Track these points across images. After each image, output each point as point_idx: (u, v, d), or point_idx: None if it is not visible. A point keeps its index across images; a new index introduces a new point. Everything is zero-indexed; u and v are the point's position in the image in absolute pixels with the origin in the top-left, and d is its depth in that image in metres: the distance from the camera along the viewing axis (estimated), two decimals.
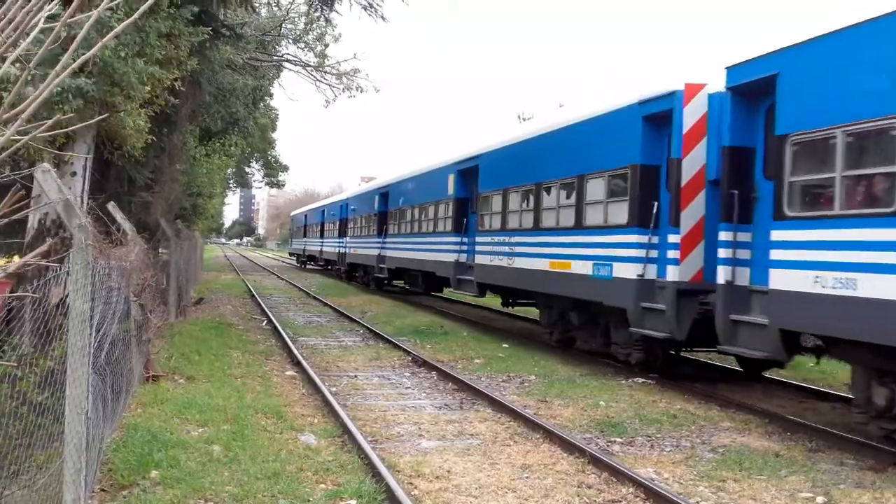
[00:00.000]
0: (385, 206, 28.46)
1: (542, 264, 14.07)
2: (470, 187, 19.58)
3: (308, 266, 54.32)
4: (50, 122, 3.53)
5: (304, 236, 54.83)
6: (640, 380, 11.86)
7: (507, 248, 15.89)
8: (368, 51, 76.69)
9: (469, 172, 19.37)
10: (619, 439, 8.50)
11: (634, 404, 10.09)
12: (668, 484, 6.87)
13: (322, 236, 45.12)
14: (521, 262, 15.21)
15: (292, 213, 73.69)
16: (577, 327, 13.98)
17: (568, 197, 13.45)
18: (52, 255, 8.35)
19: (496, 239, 16.68)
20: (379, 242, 28.19)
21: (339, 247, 38.29)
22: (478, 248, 17.97)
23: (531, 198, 15.04)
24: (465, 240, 19.31)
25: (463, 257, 19.28)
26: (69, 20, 3.44)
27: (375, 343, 16.02)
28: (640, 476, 6.76)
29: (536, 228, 14.66)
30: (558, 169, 13.83)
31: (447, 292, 25.74)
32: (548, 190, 14.30)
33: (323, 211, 45.95)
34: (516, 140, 16.29)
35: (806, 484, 6.96)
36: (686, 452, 7.98)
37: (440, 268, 20.82)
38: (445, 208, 20.85)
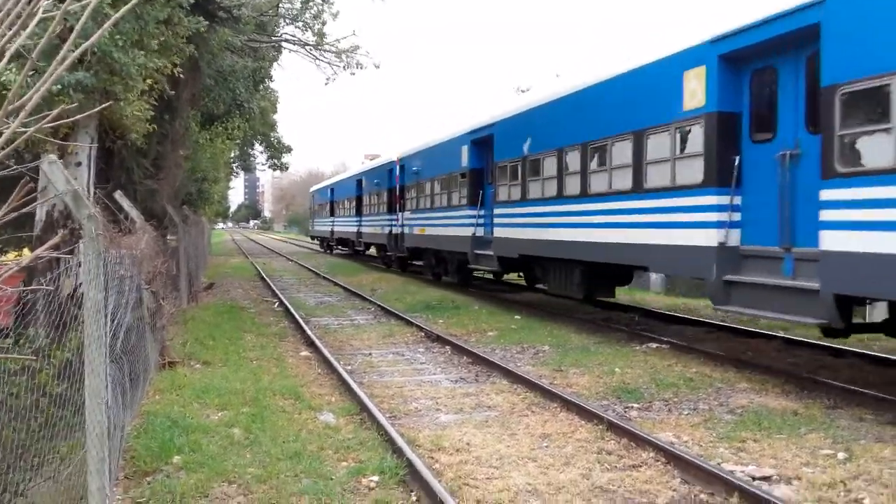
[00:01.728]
0: (481, 161, 19.15)
1: None
2: (738, 94, 9.80)
3: (337, 251, 45.81)
4: (53, 113, 3.51)
5: (332, 215, 44.29)
6: (654, 345, 11.86)
7: None
8: (367, 27, 76.12)
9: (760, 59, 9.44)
10: (636, 405, 8.51)
11: (650, 369, 10.09)
12: (687, 447, 6.88)
13: (359, 213, 35.32)
14: None
15: (313, 189, 59.63)
16: None
17: None
18: (62, 246, 8.37)
19: None
20: (473, 217, 18.78)
21: (388, 225, 28.40)
22: (841, 214, 7.84)
23: None
24: (738, 201, 9.69)
25: (735, 237, 9.72)
26: (68, 7, 3.40)
27: (388, 320, 16.05)
28: (660, 440, 6.77)
29: None
30: None
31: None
32: None
33: (359, 180, 35.84)
34: None
35: (826, 441, 6.96)
36: (704, 415, 7.99)
37: (680, 259, 10.67)
38: (680, 139, 10.59)
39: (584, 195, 13.27)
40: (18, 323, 5.55)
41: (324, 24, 26.54)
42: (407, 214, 25.82)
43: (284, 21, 26.53)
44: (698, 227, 10.16)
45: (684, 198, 10.47)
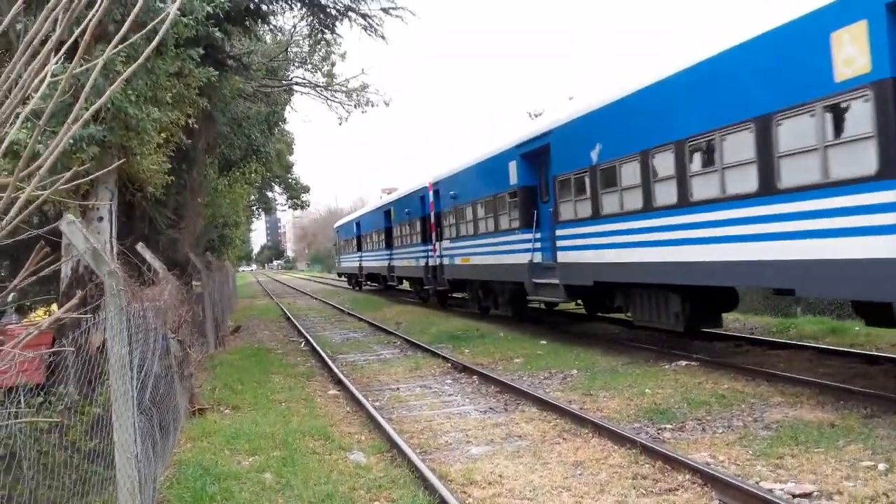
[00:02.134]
0: (533, 177, 16.56)
1: None
2: None
3: (366, 287, 43.96)
4: (68, 174, 3.57)
5: (359, 250, 41.66)
6: (684, 363, 11.72)
7: None
8: (375, 65, 77.05)
9: None
10: (669, 426, 8.39)
11: (680, 388, 9.97)
12: (724, 467, 6.76)
13: (389, 246, 32.58)
14: None
15: (337, 224, 56.76)
16: None
17: None
18: (88, 301, 8.48)
19: None
20: (529, 242, 16.31)
21: (424, 257, 26.06)
22: None
23: None
24: None
25: None
26: (75, 71, 3.48)
27: (413, 353, 16.02)
28: (696, 462, 6.66)
29: None
30: None
31: None
32: None
33: (387, 211, 32.84)
34: None
35: (865, 452, 6.81)
36: (739, 432, 7.86)
37: (848, 276, 8.24)
38: (833, 121, 8.35)
39: (684, 205, 10.89)
40: (50, 382, 5.62)
41: (333, 65, 26.99)
42: (445, 244, 23.30)
43: (294, 64, 26.97)
44: (874, 233, 7.78)
45: (848, 196, 8.09)
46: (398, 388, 12.05)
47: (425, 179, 26.20)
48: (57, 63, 3.97)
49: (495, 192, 18.41)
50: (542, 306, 20.60)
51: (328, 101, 28.13)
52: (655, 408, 9.09)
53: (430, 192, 25.03)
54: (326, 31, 18.42)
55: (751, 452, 7.14)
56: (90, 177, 6.67)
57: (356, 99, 27.69)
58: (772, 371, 10.48)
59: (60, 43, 3.31)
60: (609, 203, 12.99)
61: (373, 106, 28.39)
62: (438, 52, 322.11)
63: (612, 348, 14.05)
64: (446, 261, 23.26)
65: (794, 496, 5.89)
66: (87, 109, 4.38)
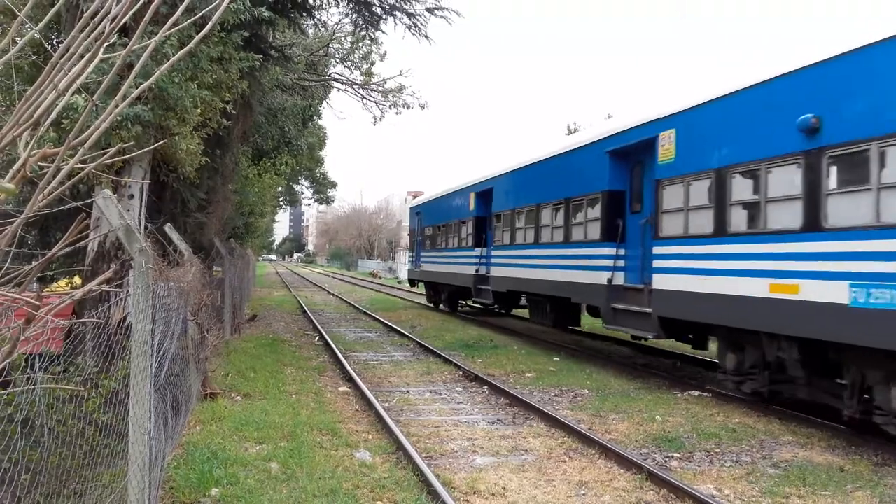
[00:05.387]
0: None
1: None
2: None
3: (466, 307, 27.52)
4: (113, 150, 3.64)
5: (478, 244, 22.40)
6: (696, 393, 11.65)
7: None
8: (414, 68, 77.23)
9: None
10: (676, 454, 8.35)
11: (691, 418, 9.91)
12: (729, 501, 6.72)
13: (614, 238, 13.64)
14: None
15: (419, 202, 32.70)
16: None
17: None
18: (113, 277, 8.59)
19: None
20: None
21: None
22: None
23: None
24: None
25: None
26: (132, 48, 3.55)
27: (426, 358, 16.05)
28: (701, 493, 6.62)
29: None
30: None
31: None
32: None
33: (618, 151, 13.66)
34: None
35: (873, 500, 6.74)
36: (747, 468, 7.81)
37: None
38: None
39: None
40: (69, 352, 5.70)
41: (372, 63, 27.13)
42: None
43: (334, 60, 27.15)
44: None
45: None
46: (408, 392, 12.09)
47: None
48: (110, 42, 4.06)
49: None
50: None
51: (364, 100, 28.29)
52: (664, 435, 9.05)
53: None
54: (371, 27, 18.50)
55: (757, 489, 7.09)
56: (129, 155, 6.78)
57: (392, 100, 27.82)
58: (784, 409, 10.39)
59: (114, 20, 3.38)
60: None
61: (408, 108, 28.49)
62: (475, 58, 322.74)
63: (625, 371, 13.99)
64: None
65: None
66: (134, 88, 4.46)
